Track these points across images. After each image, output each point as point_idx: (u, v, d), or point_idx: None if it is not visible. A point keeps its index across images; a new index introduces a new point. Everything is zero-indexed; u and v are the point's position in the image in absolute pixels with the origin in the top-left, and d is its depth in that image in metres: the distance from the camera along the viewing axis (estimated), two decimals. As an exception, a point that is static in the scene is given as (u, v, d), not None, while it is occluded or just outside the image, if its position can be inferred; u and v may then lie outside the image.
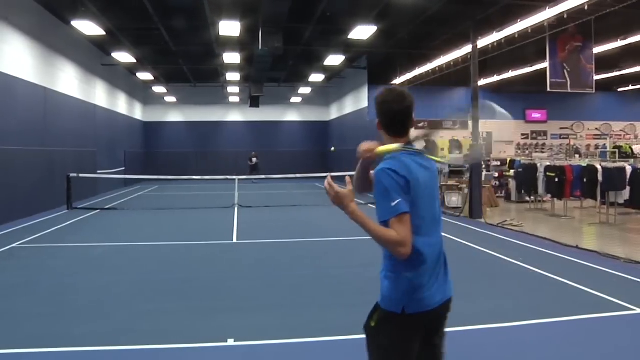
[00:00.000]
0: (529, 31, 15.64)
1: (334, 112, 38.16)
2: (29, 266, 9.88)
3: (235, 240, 12.80)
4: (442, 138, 26.90)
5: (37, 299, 7.60)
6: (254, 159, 34.68)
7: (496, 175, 22.54)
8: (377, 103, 3.15)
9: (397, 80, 26.93)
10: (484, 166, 19.37)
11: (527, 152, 28.64)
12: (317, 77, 29.78)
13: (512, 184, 20.44)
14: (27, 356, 5.46)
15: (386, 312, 3.04)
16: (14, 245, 11.79)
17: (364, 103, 28.37)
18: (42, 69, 18.43)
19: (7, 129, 15.62)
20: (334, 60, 23.59)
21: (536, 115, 29.99)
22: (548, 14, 14.44)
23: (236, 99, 38.36)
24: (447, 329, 3.23)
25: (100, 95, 26.01)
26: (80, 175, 19.71)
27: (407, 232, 2.89)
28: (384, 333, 3.01)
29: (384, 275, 3.23)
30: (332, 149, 34.84)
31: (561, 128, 30.20)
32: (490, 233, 13.32)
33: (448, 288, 3.20)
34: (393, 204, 2.87)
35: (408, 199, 2.88)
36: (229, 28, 17.09)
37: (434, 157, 3.11)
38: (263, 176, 26.30)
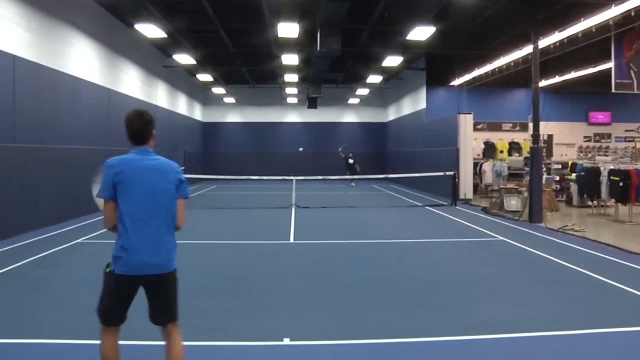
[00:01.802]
0: (593, 30, 15.20)
1: (391, 114, 37.99)
2: (92, 262, 10.14)
3: (292, 240, 12.88)
4: (502, 140, 26.44)
5: (99, 293, 7.79)
6: (351, 160, 34.33)
7: (557, 178, 22.01)
8: (124, 120, 4.16)
9: (456, 82, 26.60)
10: (544, 169, 18.95)
11: (589, 155, 27.86)
12: (374, 78, 29.68)
13: (574, 188, 19.93)
14: (88, 347, 5.62)
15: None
16: (78, 240, 12.17)
17: (422, 104, 28.14)
18: (106, 71, 18.98)
19: (73, 128, 16.15)
20: (392, 61, 23.46)
21: (599, 117, 29.11)
22: (614, 12, 14.00)
23: (294, 100, 38.60)
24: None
25: (161, 96, 26.59)
26: (142, 174, 20.10)
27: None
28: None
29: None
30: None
31: (626, 130, 29.20)
32: (551, 238, 13.01)
33: None
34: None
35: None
36: (288, 29, 17.22)
37: None
38: (320, 177, 26.39)
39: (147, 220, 4.12)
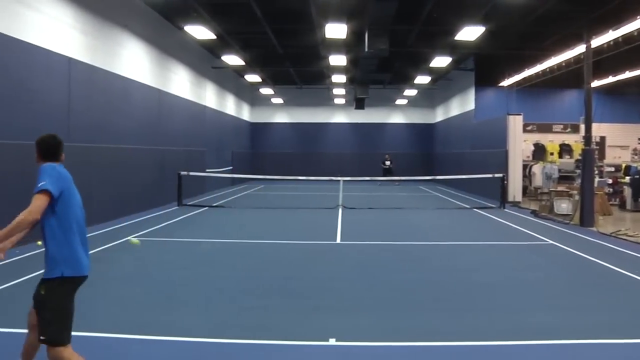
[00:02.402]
0: (650, 29, 14.80)
1: (439, 115, 37.67)
2: (141, 258, 10.37)
3: (338, 240, 12.88)
4: (552, 142, 25.93)
5: (149, 290, 7.98)
6: (387, 162, 34.23)
7: (610, 181, 21.51)
8: (37, 142, 4.61)
9: (505, 82, 26.22)
10: (596, 172, 18.52)
11: (644, 157, 27.11)
12: (422, 79, 29.49)
13: (627, 192, 19.45)
14: (136, 342, 5.75)
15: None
16: (128, 238, 12.41)
17: (471, 105, 27.83)
18: (157, 72, 19.34)
19: (125, 128, 16.51)
20: (440, 61, 23.27)
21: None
22: (671, 10, 13.62)
23: (341, 101, 38.63)
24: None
25: (209, 96, 26.94)
26: (190, 173, 20.49)
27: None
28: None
29: None
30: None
31: (684, 132, 28.31)
32: (603, 243, 12.70)
33: None
34: None
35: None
36: (335, 30, 17.24)
37: None
38: (367, 178, 26.30)
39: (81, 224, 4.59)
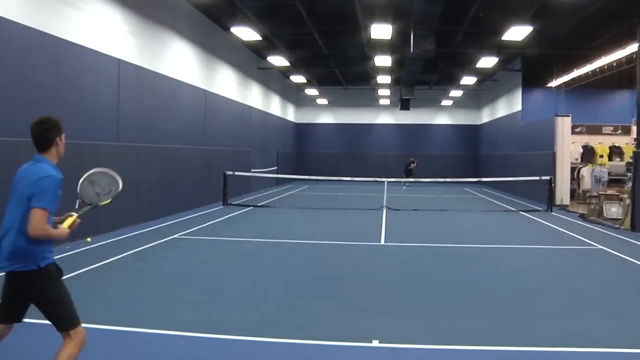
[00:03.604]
0: None
1: (485, 116, 37.22)
2: (188, 256, 10.54)
3: (383, 242, 12.84)
4: (601, 144, 25.36)
5: (194, 287, 8.10)
6: (412, 165, 33.57)
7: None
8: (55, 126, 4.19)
9: (553, 83, 25.79)
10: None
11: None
12: (468, 80, 29.21)
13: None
14: (182, 338, 5.84)
15: None
16: (175, 236, 12.63)
17: (518, 106, 27.42)
18: (204, 73, 19.61)
19: (172, 128, 16.79)
20: (487, 62, 23.01)
21: None
22: None
23: (386, 102, 38.52)
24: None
25: (255, 97, 27.17)
26: (236, 173, 20.70)
27: None
28: None
29: None
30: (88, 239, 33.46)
31: None
32: (653, 247, 12.38)
33: None
34: None
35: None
36: (381, 31, 17.21)
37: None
38: (412, 179, 26.16)
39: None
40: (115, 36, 13.61)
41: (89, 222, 11.97)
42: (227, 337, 5.89)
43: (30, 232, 3.85)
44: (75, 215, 4.31)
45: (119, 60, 13.75)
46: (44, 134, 4.12)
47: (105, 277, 8.60)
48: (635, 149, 16.00)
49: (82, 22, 12.27)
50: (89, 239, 11.19)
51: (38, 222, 3.85)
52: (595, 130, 25.74)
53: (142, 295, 7.63)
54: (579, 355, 5.57)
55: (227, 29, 19.33)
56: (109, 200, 4.68)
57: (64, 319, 4.04)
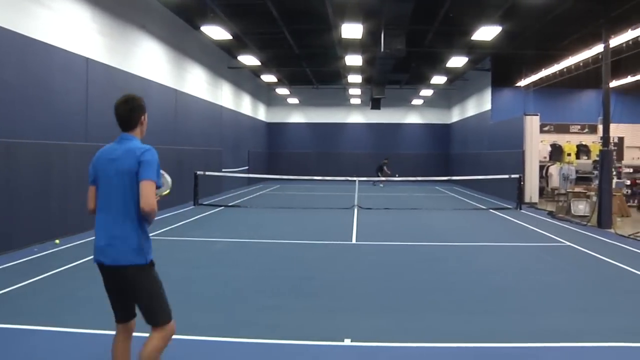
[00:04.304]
0: (669, 28, 14.67)
1: (455, 115, 37.54)
2: (158, 257, 10.27)
3: (354, 241, 12.87)
4: (569, 143, 25.73)
5: (165, 288, 7.99)
6: (385, 166, 33.69)
7: (628, 182, 21.30)
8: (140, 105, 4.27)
9: (522, 82, 26.09)
10: (614, 173, 18.35)
11: (664, 158, 26.83)
12: (439, 79, 29.41)
13: (646, 193, 19.25)
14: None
15: None
16: (150, 235, 12.47)
17: (487, 106, 27.70)
18: (174, 72, 19.45)
19: (142, 128, 16.59)
20: (457, 61, 23.19)
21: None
22: (691, 10, 13.48)
23: (357, 101, 38.61)
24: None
25: (226, 96, 27.04)
26: (207, 173, 20.58)
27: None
28: None
29: None
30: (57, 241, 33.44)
31: (703, 133, 28.00)
32: (621, 245, 12.58)
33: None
34: None
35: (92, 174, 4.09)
36: (352, 30, 17.22)
37: None
38: (383, 178, 26.23)
39: (102, 208, 4.01)
40: (83, 35, 13.42)
41: (57, 223, 11.84)
42: (197, 338, 5.84)
43: (144, 206, 3.78)
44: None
45: (88, 59, 13.56)
46: (129, 114, 4.20)
47: (75, 279, 8.47)
48: (601, 148, 16.27)
49: (50, 21, 12.08)
50: (57, 241, 11.04)
51: (151, 194, 3.79)
52: (563, 129, 26.13)
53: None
54: (548, 350, 5.64)
55: (198, 28, 19.21)
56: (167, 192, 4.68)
57: (159, 313, 4.12)
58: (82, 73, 13.35)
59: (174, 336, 5.87)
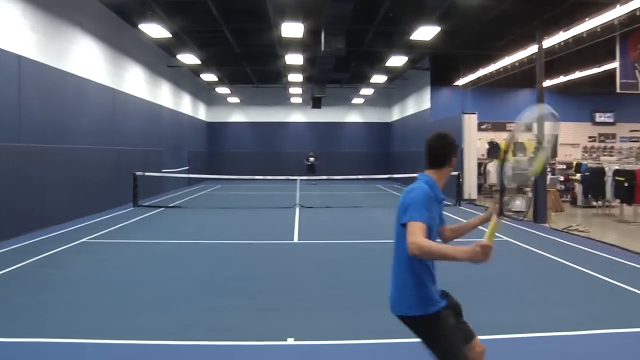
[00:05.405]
0: (598, 30, 15.21)
1: (395, 114, 37.96)
2: (98, 260, 10.21)
3: (296, 240, 12.89)
4: (505, 140, 26.36)
5: (105, 292, 7.85)
6: (311, 159, 34.45)
7: (561, 178, 21.99)
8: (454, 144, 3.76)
9: (460, 81, 26.61)
10: (548, 169, 18.90)
11: (594, 155, 27.79)
12: (379, 78, 29.67)
13: (578, 188, 19.90)
14: (92, 346, 5.65)
15: None
16: (83, 240, 12.21)
17: (427, 104, 28.10)
18: (111, 71, 19.03)
19: (79, 128, 16.20)
20: (397, 61, 23.46)
21: (604, 117, 29.01)
22: (619, 11, 14.01)
23: (298, 100, 38.62)
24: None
25: (165, 96, 26.64)
26: (146, 173, 20.25)
27: None
28: None
29: None
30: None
31: (631, 130, 29.08)
32: (555, 238, 13.00)
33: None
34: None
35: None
36: (292, 29, 17.21)
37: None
38: (324, 177, 26.32)
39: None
40: (14, 31, 12.94)
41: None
42: (139, 342, 5.76)
43: (410, 250, 3.37)
44: (494, 216, 3.67)
45: (20, 56, 13.10)
46: (442, 150, 3.72)
47: (8, 286, 8.21)
48: (536, 145, 16.72)
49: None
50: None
51: (410, 235, 3.33)
52: (500, 127, 26.71)
53: (49, 303, 7.32)
54: (488, 343, 5.75)
55: (136, 26, 18.82)
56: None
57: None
58: (13, 71, 12.89)
59: (118, 341, 5.81)
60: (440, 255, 3.33)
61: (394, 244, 3.72)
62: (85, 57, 16.79)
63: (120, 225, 14.83)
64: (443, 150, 3.70)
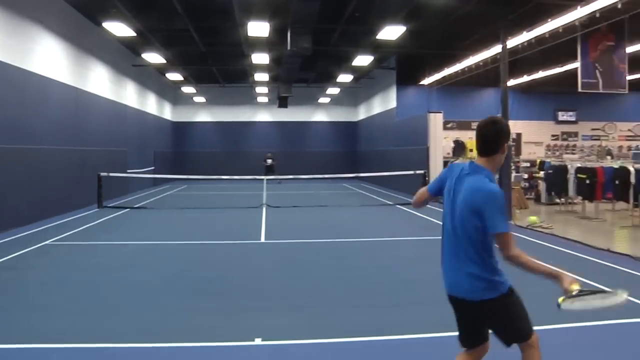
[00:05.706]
0: (560, 31, 15.44)
1: (362, 113, 38.12)
2: (61, 263, 10.04)
3: (263, 240, 12.85)
4: (471, 139, 26.66)
5: (69, 296, 7.72)
6: (269, 160, 34.52)
7: (525, 176, 22.28)
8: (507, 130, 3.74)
9: (426, 81, 26.82)
10: (513, 167, 19.14)
11: (557, 153, 28.27)
12: (345, 78, 29.75)
13: (542, 186, 20.19)
14: (56, 351, 5.55)
15: None
16: (47, 242, 11.99)
17: (392, 103, 28.27)
18: (74, 70, 18.72)
19: (41, 128, 15.91)
20: (363, 60, 23.54)
21: (567, 116, 29.54)
22: (580, 12, 14.24)
23: (265, 100, 38.52)
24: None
25: (130, 95, 26.33)
26: (111, 174, 19.99)
27: None
28: None
29: None
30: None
31: (592, 129, 29.71)
32: (520, 235, 13.15)
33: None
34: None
35: None
36: (258, 29, 17.16)
37: None
38: (291, 176, 26.29)
39: (449, 237, 3.99)
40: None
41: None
42: (105, 346, 5.67)
43: (507, 259, 3.77)
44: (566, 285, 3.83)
45: (-21, 55, 12.85)
46: (494, 137, 3.67)
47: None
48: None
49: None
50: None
51: (510, 247, 3.71)
52: (465, 126, 26.98)
53: (9, 307, 7.16)
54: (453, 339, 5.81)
55: (100, 24, 18.57)
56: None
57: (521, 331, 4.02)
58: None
59: (83, 345, 5.71)
60: (534, 269, 3.88)
61: (456, 230, 3.84)
62: (47, 56, 16.48)
63: (85, 227, 14.61)
64: (495, 136, 3.67)
